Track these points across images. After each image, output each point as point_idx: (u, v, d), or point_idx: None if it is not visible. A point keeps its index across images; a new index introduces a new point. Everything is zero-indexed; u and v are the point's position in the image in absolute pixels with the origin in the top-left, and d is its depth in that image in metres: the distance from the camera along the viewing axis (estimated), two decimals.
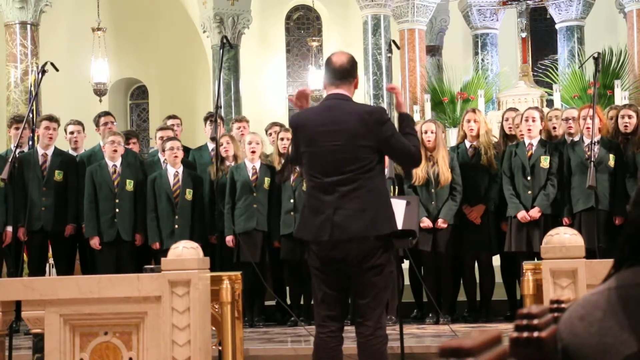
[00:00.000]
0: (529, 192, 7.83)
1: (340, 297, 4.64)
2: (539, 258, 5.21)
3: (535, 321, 1.55)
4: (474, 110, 8.42)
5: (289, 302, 8.49)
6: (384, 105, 14.66)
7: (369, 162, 4.55)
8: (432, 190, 7.95)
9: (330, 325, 4.60)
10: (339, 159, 4.54)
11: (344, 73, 4.65)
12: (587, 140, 7.66)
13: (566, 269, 4.62)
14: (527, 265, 5.08)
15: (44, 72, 7.64)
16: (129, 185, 8.32)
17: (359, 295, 4.59)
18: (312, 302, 4.78)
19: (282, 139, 8.55)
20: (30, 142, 9.22)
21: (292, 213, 8.24)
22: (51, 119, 8.63)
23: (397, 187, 7.85)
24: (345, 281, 4.62)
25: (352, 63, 4.71)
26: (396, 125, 4.85)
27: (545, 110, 9.79)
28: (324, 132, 4.58)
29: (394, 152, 4.67)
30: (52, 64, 7.59)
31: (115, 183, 8.27)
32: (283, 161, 8.42)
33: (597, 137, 7.46)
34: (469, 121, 8.20)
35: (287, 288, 8.69)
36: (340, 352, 4.67)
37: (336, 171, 4.54)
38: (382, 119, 4.61)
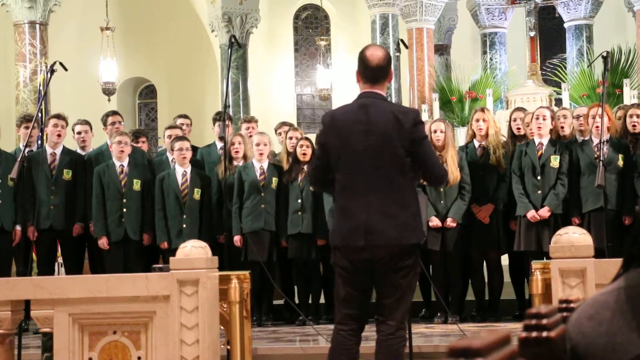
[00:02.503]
0: (539, 191, 7.81)
1: (363, 297, 4.60)
2: (548, 257, 5.20)
3: (544, 321, 1.55)
4: (482, 110, 8.40)
5: (297, 301, 8.49)
6: None
7: (402, 165, 4.47)
8: (441, 190, 7.94)
9: (351, 324, 4.58)
10: (373, 159, 4.46)
11: (381, 71, 4.56)
12: (596, 140, 7.64)
13: (575, 269, 4.61)
14: (536, 264, 5.07)
15: (52, 71, 7.65)
16: (137, 185, 8.33)
17: (384, 295, 4.55)
18: (334, 299, 4.73)
19: (290, 139, 8.55)
20: (39, 142, 9.24)
21: (299, 213, 8.24)
22: (59, 117, 8.65)
23: None
24: (370, 281, 4.58)
25: (388, 60, 4.61)
26: None
27: (555, 109, 9.77)
28: (358, 131, 4.48)
29: (423, 158, 4.52)
30: (61, 63, 7.60)
31: (123, 183, 8.28)
32: (291, 160, 8.42)
33: (606, 137, 7.44)
34: (477, 120, 8.19)
35: (295, 287, 8.69)
36: (357, 351, 4.64)
37: (369, 172, 4.46)
38: (416, 120, 4.52)
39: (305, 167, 8.28)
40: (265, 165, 8.42)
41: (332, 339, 4.66)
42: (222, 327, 5.36)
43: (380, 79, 4.57)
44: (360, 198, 4.47)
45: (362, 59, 4.59)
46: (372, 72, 4.55)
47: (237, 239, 8.31)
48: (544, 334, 1.54)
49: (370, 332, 4.80)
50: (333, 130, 4.58)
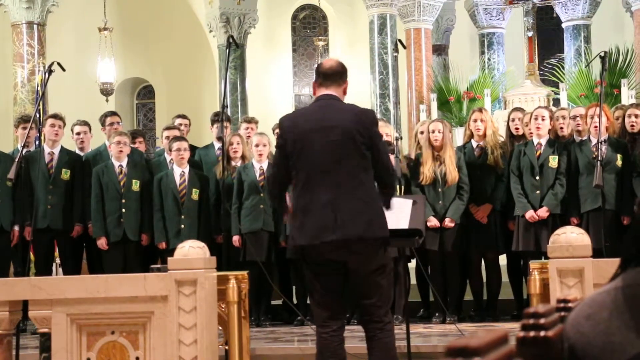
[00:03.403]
0: (537, 191, 7.82)
1: (337, 296, 4.65)
2: (546, 257, 5.20)
3: (542, 320, 1.56)
4: (480, 110, 8.41)
5: (295, 301, 8.49)
6: (390, 104, 14.67)
7: (365, 161, 4.53)
8: (439, 190, 7.95)
9: (332, 324, 4.62)
10: (336, 155, 4.51)
11: (333, 75, 4.67)
12: (594, 140, 7.64)
13: (573, 268, 4.61)
14: (534, 264, 5.08)
15: (50, 72, 7.65)
16: (135, 185, 8.33)
17: (365, 296, 4.60)
18: (310, 303, 4.77)
19: None
20: (37, 142, 9.24)
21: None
22: (56, 116, 8.65)
23: (403, 186, 7.85)
24: (341, 279, 4.62)
25: (342, 67, 4.73)
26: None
27: (553, 109, 9.77)
28: (319, 129, 4.55)
29: (379, 157, 4.59)
30: (58, 63, 7.60)
31: (122, 183, 8.28)
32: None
33: (604, 137, 7.44)
34: (475, 121, 8.20)
35: (294, 287, 8.69)
36: (344, 350, 4.68)
37: (333, 169, 4.50)
38: (375, 121, 4.65)
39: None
40: (264, 165, 8.42)
41: (316, 343, 4.70)
42: (220, 327, 5.36)
43: (334, 81, 4.66)
44: (324, 194, 4.49)
45: (317, 67, 4.79)
46: (325, 75, 4.67)
47: (235, 239, 8.31)
48: (542, 333, 1.54)
49: (361, 331, 4.82)
50: (293, 131, 4.63)
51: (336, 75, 4.67)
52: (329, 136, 4.52)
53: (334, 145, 4.51)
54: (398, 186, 7.40)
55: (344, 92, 4.73)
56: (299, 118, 4.72)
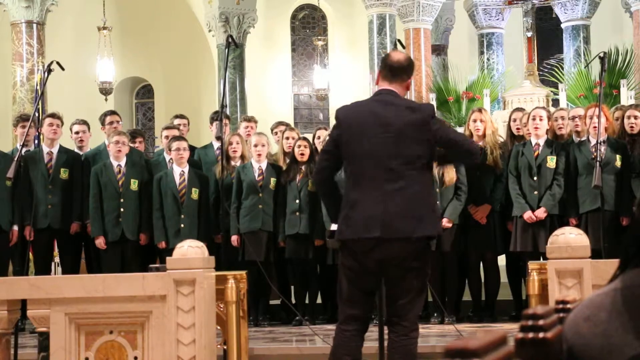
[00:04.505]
0: (535, 192, 7.81)
1: (367, 298, 4.59)
2: (545, 258, 5.20)
3: (541, 322, 1.55)
4: (480, 110, 8.40)
5: (293, 301, 8.50)
6: None
7: (419, 158, 4.47)
8: (437, 190, 7.94)
9: (354, 324, 4.57)
10: (388, 151, 4.46)
11: (399, 70, 4.60)
12: (593, 141, 7.64)
13: (572, 269, 4.61)
14: (532, 265, 5.08)
15: (49, 71, 7.65)
16: (134, 184, 8.33)
17: (397, 296, 4.53)
18: (337, 299, 4.72)
19: (287, 139, 8.56)
20: (36, 141, 9.24)
21: (297, 213, 8.24)
22: (54, 115, 8.66)
23: None
24: (376, 282, 4.57)
25: (409, 63, 4.68)
26: None
27: (551, 110, 9.77)
28: (373, 124, 4.50)
29: (451, 144, 4.56)
30: (58, 63, 7.60)
31: (120, 183, 8.28)
32: (288, 161, 8.42)
33: (603, 137, 7.44)
34: (475, 121, 8.19)
35: (292, 287, 8.69)
36: (360, 352, 4.63)
37: (385, 165, 4.45)
38: (432, 113, 4.57)
39: (303, 168, 8.28)
40: (263, 165, 8.42)
41: (334, 337, 4.64)
42: (218, 327, 5.36)
43: (398, 77, 4.60)
44: (374, 191, 4.45)
45: (384, 58, 4.72)
46: (392, 69, 4.60)
47: (234, 239, 8.30)
48: (541, 334, 1.54)
49: (372, 331, 4.80)
50: (346, 124, 4.58)
51: (402, 71, 4.61)
52: (382, 132, 4.47)
53: (387, 141, 4.46)
54: None
55: (407, 88, 4.69)
56: (354, 111, 4.63)
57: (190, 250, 4.89)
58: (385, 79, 4.63)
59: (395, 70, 4.60)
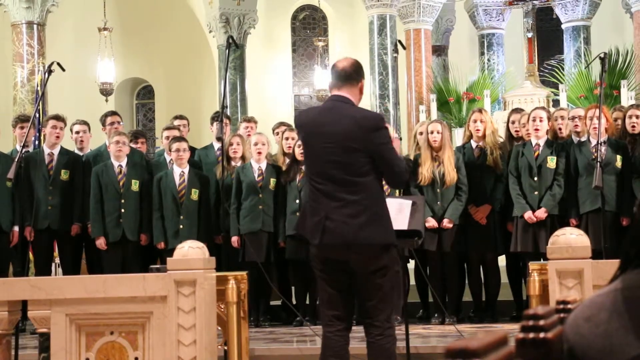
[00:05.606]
0: (536, 192, 7.81)
1: (345, 297, 4.66)
2: (545, 258, 5.20)
3: (542, 322, 1.56)
4: (480, 111, 8.41)
5: (294, 302, 8.49)
6: (389, 104, 14.67)
7: (361, 167, 4.52)
8: (438, 190, 7.95)
9: (337, 324, 4.62)
10: (331, 161, 4.54)
11: (346, 75, 4.67)
12: (593, 141, 7.64)
13: (572, 270, 4.61)
14: (533, 265, 5.08)
15: (50, 71, 7.65)
16: (135, 185, 8.33)
17: (366, 297, 4.60)
18: (318, 302, 4.80)
19: (287, 139, 8.55)
20: (36, 142, 9.24)
21: (297, 213, 8.23)
22: (58, 118, 8.65)
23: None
24: (349, 281, 4.62)
25: (356, 66, 4.73)
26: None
27: (551, 110, 9.77)
28: (318, 133, 4.60)
29: (382, 162, 4.56)
30: (58, 63, 7.60)
31: (121, 183, 8.28)
32: (288, 161, 8.42)
33: (604, 138, 7.44)
34: (475, 121, 8.20)
35: (293, 288, 8.69)
36: (347, 352, 4.68)
37: (328, 174, 4.54)
38: (377, 126, 4.58)
39: (303, 168, 8.28)
40: (263, 165, 8.41)
41: (321, 341, 4.72)
42: (219, 328, 5.36)
43: (346, 82, 4.67)
44: (320, 197, 4.56)
45: (332, 66, 4.83)
46: (338, 75, 4.69)
47: (234, 240, 8.30)
48: (541, 335, 1.54)
49: (361, 332, 4.82)
50: (301, 130, 4.81)
51: (349, 76, 4.67)
52: (325, 141, 4.56)
53: (328, 150, 4.55)
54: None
55: (360, 92, 4.73)
56: (308, 117, 4.76)
57: (191, 251, 4.90)
58: (335, 86, 4.72)
59: (341, 77, 4.68)
